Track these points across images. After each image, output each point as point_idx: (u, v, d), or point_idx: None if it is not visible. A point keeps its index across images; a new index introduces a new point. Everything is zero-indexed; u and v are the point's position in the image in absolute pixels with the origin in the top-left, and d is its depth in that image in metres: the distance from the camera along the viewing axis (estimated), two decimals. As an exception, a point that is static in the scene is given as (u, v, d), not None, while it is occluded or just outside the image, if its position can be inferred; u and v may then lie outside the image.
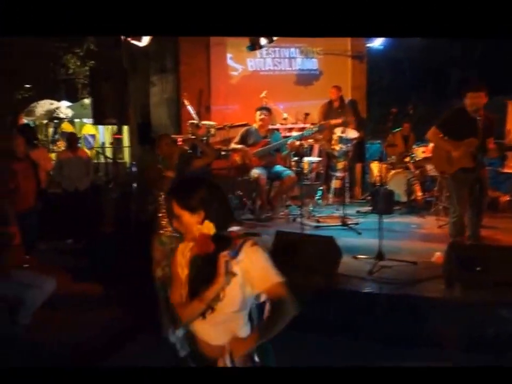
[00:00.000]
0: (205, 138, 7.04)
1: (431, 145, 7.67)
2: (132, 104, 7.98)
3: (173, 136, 4.82)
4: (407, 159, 7.91)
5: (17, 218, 5.39)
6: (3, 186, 5.63)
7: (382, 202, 7.00)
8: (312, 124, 7.59)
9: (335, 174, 7.60)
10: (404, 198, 7.64)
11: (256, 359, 2.13)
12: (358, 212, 7.28)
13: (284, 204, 7.03)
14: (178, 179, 4.21)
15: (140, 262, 5.86)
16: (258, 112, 6.74)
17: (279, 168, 6.69)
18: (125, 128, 9.84)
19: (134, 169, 6.88)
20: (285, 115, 7.61)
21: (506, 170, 8.38)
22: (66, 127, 12.75)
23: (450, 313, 4.26)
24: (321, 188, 7.68)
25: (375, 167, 8.09)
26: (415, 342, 4.15)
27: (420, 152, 7.92)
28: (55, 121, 12.75)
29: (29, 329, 4.37)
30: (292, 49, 8.50)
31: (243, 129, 6.86)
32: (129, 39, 7.16)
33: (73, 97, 12.46)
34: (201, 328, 2.19)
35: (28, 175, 6.22)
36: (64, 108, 12.25)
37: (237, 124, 7.54)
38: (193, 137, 7.12)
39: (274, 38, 7.23)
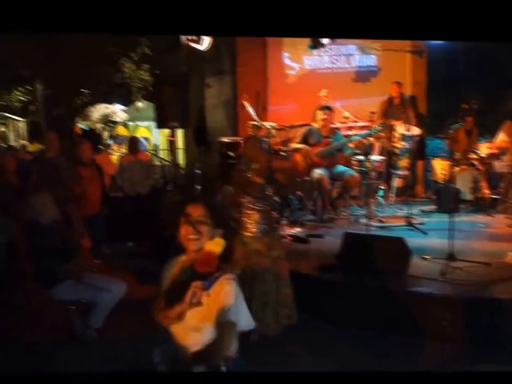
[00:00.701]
0: (265, 139, 7.03)
1: (498, 141, 7.44)
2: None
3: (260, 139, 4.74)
4: (472, 155, 7.67)
5: (85, 223, 5.56)
6: (70, 192, 5.77)
7: (448, 200, 6.81)
8: (369, 121, 7.48)
9: (396, 172, 7.46)
10: (469, 196, 7.41)
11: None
12: (422, 211, 7.11)
13: (346, 204, 6.95)
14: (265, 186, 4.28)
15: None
16: (319, 112, 6.67)
17: (341, 168, 6.61)
18: (179, 130, 9.98)
19: (196, 171, 6.93)
20: (346, 113, 7.51)
21: None
22: (121, 130, 13.05)
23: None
24: (382, 187, 7.56)
25: (437, 164, 7.88)
26: (490, 344, 4.04)
27: (485, 148, 7.67)
28: (110, 125, 13.07)
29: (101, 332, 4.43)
30: (350, 46, 8.39)
31: (304, 129, 6.81)
32: (190, 42, 7.25)
33: (127, 101, 12.72)
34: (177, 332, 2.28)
35: (94, 180, 6.38)
36: (119, 111, 12.53)
37: (297, 124, 7.49)
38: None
39: (335, 36, 7.15)
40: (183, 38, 7.40)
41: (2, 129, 17.22)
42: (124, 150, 11.39)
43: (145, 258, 6.78)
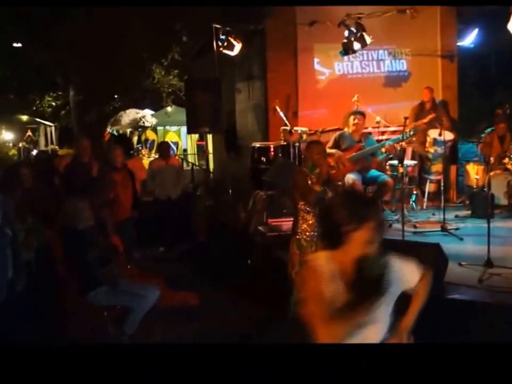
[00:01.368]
0: (297, 144, 7.05)
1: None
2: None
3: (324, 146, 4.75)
4: (506, 160, 7.57)
5: (116, 228, 5.62)
6: (104, 197, 5.83)
7: (483, 205, 6.72)
8: (400, 126, 7.43)
9: (429, 177, 7.40)
10: (504, 201, 7.31)
11: None
12: (456, 216, 7.03)
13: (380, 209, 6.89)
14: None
15: (236, 269, 6.02)
16: (352, 117, 6.66)
17: (374, 172, 6.58)
18: (208, 135, 10.04)
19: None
20: (378, 118, 7.48)
21: None
22: (150, 135, 13.19)
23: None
24: (415, 191, 7.50)
25: (471, 169, 7.79)
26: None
27: (519, 153, 7.57)
28: (139, 129, 13.21)
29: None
30: (381, 51, 8.36)
31: (336, 133, 6.80)
32: (221, 48, 7.31)
33: (157, 106, 12.87)
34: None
35: (126, 185, 6.44)
36: (149, 116, 12.66)
37: (329, 128, 7.50)
38: (285, 143, 7.17)
39: (368, 42, 7.15)
40: (215, 44, 7.48)
41: (29, 133, 17.55)
42: (154, 155, 11.53)
43: (176, 263, 6.86)
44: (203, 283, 5.99)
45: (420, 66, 8.44)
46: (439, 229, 6.20)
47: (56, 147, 15.80)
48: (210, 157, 10.42)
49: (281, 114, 7.21)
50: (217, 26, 7.33)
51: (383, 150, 6.68)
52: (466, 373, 1.93)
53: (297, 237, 4.32)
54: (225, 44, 7.39)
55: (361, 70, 8.38)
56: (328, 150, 6.70)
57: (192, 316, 5.08)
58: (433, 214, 6.91)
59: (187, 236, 7.33)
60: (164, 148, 7.85)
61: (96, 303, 4.50)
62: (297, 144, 7.10)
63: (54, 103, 16.13)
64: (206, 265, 6.41)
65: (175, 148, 12.58)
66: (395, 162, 6.75)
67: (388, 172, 6.80)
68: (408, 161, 7.12)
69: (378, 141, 6.97)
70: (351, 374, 1.91)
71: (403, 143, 7.03)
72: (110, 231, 5.36)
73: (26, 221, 4.68)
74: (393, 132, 7.60)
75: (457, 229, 6.29)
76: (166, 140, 12.78)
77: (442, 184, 7.18)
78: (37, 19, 9.28)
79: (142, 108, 12.70)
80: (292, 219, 6.33)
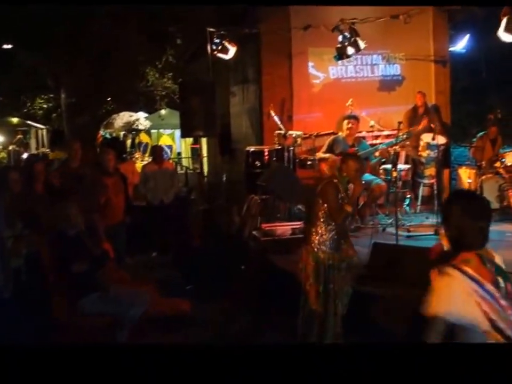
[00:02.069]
0: (291, 148, 7.07)
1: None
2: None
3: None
4: (497, 164, 7.64)
5: (108, 233, 5.55)
6: (95, 201, 5.76)
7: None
8: (393, 130, 7.47)
9: (422, 181, 7.44)
10: (495, 205, 7.37)
11: None
12: (449, 220, 7.06)
13: (373, 213, 6.94)
14: None
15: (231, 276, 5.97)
16: (345, 121, 6.70)
17: (368, 176, 6.61)
18: (202, 139, 9.99)
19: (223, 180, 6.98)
20: (372, 122, 7.51)
21: None
22: (144, 138, 13.12)
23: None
24: (409, 195, 7.54)
25: (463, 172, 7.86)
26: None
27: (510, 156, 7.63)
28: (133, 132, 13.14)
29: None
30: (374, 56, 8.39)
31: (330, 138, 6.83)
32: (215, 52, 7.30)
33: (151, 109, 12.80)
34: None
35: (118, 189, 6.33)
36: (143, 119, 12.60)
37: (323, 132, 7.51)
38: (279, 147, 7.18)
39: (362, 47, 7.18)
40: (209, 47, 7.47)
41: (19, 136, 17.38)
42: (147, 158, 11.45)
43: (169, 269, 6.78)
44: (196, 289, 5.94)
45: (413, 71, 8.49)
46: (433, 232, 6.23)
47: (48, 150, 15.68)
48: (205, 160, 10.41)
49: (276, 118, 7.22)
50: (212, 29, 7.32)
51: (377, 154, 6.72)
52: (467, 373, 1.89)
53: (315, 249, 4.15)
54: (220, 47, 7.38)
55: (355, 74, 8.41)
56: (322, 155, 6.76)
57: (184, 322, 5.02)
58: (427, 218, 6.95)
59: (180, 241, 7.27)
60: (156, 152, 7.79)
61: (86, 310, 4.45)
62: (291, 148, 7.11)
63: (45, 105, 16.01)
64: (200, 271, 6.37)
65: (169, 151, 12.53)
66: (388, 166, 6.79)
67: (382, 176, 6.84)
68: (401, 165, 7.16)
69: (372, 145, 7.01)
70: (350, 374, 1.91)
71: (397, 147, 7.10)
72: (100, 237, 5.31)
73: (15, 227, 4.61)
74: (387, 136, 7.64)
75: (450, 233, 6.31)
76: (159, 143, 12.74)
77: (435, 188, 7.24)
78: (28, 20, 9.20)
79: (136, 110, 12.63)
80: (286, 224, 6.40)
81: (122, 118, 12.23)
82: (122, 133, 12.82)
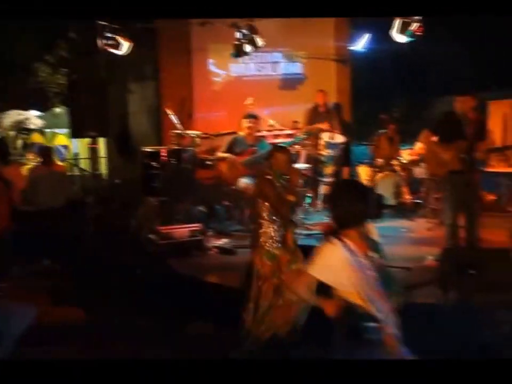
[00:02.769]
0: (190, 148, 6.89)
1: (417, 147, 7.67)
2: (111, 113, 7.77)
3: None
4: (394, 162, 7.87)
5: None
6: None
7: (371, 206, 6.90)
8: (297, 129, 7.50)
9: (322, 180, 7.51)
10: (392, 201, 7.59)
11: None
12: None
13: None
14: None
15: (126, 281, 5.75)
16: (245, 120, 6.62)
17: (267, 176, 6.56)
18: (100, 138, 9.53)
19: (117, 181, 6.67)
20: (271, 122, 7.47)
21: (489, 170, 8.41)
22: (37, 138, 12.32)
23: (447, 318, 4.22)
24: (309, 194, 7.58)
25: (362, 170, 8.03)
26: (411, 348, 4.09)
27: (407, 154, 7.89)
28: (24, 132, 12.28)
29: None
30: (275, 54, 8.38)
31: (230, 137, 6.72)
32: (107, 47, 6.95)
33: (44, 107, 12.01)
34: None
35: (1, 196, 5.90)
36: (34, 118, 11.82)
37: (223, 132, 7.37)
38: (177, 147, 6.98)
39: (259, 44, 7.11)
40: (100, 42, 7.09)
41: None
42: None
43: (62, 278, 6.45)
44: (90, 296, 5.67)
45: (314, 70, 8.58)
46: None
47: None
48: (104, 161, 9.95)
49: (173, 117, 7.00)
50: (104, 23, 6.94)
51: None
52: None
53: (266, 248, 4.04)
54: (112, 42, 7.00)
55: (257, 72, 8.37)
56: (221, 155, 6.63)
57: (76, 332, 4.75)
58: (326, 216, 7.00)
59: (74, 247, 6.89)
60: (45, 153, 7.28)
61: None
62: (190, 148, 6.93)
63: None
64: (94, 277, 6.08)
65: (65, 152, 11.91)
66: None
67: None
68: (301, 165, 7.17)
69: (272, 145, 6.96)
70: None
71: (297, 146, 7.12)
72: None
73: None
74: (288, 135, 7.64)
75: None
76: (55, 143, 12.03)
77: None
78: None
79: (25, 108, 11.81)
80: (184, 226, 6.21)
81: (10, 116, 11.42)
82: (11, 133, 11.94)
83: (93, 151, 8.29)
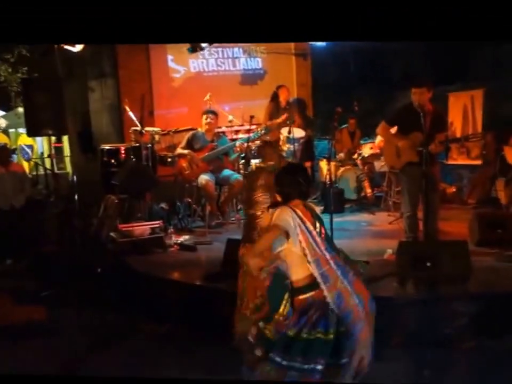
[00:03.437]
0: (149, 145, 6.80)
1: (377, 141, 7.73)
2: (71, 112, 7.62)
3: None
4: (355, 156, 7.92)
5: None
6: None
7: (333, 201, 6.94)
8: (258, 124, 7.47)
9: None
10: (353, 196, 7.64)
11: None
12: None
13: (234, 209, 6.89)
14: None
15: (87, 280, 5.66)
16: (204, 116, 6.57)
17: (227, 172, 6.54)
18: (65, 136, 9.39)
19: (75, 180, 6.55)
20: (230, 117, 7.44)
21: (450, 162, 8.56)
22: (1, 138, 12.04)
23: (404, 311, 4.25)
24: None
25: (324, 165, 8.05)
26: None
27: (368, 148, 7.94)
28: (-15, 132, 11.96)
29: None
30: (235, 49, 8.34)
31: (189, 133, 6.67)
32: (62, 44, 6.81)
33: (6, 106, 11.73)
34: None
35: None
36: (-3, 118, 11.54)
37: (182, 128, 7.31)
38: (136, 144, 6.88)
39: (215, 39, 7.06)
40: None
41: None
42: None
43: (24, 276, 6.35)
44: (53, 295, 5.58)
45: (274, 64, 8.59)
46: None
47: None
48: (68, 160, 9.78)
49: (131, 114, 6.90)
50: (58, 19, 6.78)
51: (237, 149, 6.66)
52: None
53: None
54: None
55: (217, 68, 8.31)
56: (180, 151, 6.57)
57: (36, 332, 4.65)
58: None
59: (35, 247, 6.77)
60: (2, 154, 7.15)
61: None
62: (149, 145, 6.84)
63: None
64: (56, 276, 5.99)
65: (30, 152, 11.67)
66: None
67: (242, 171, 6.78)
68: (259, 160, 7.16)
69: (233, 140, 6.94)
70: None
71: (257, 142, 7.10)
72: None
73: None
74: (248, 131, 7.62)
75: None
76: (19, 142, 11.79)
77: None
78: None
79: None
80: (144, 223, 6.13)
81: (-27, 117, 11.13)
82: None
83: (58, 150, 8.16)
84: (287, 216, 2.68)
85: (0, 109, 11.54)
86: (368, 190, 7.61)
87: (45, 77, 6.75)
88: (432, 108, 5.07)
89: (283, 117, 7.30)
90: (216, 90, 7.64)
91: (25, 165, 10.73)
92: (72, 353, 4.22)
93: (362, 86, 10.25)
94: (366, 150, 7.87)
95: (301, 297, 2.77)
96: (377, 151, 7.70)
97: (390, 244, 5.19)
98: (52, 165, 6.90)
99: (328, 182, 7.17)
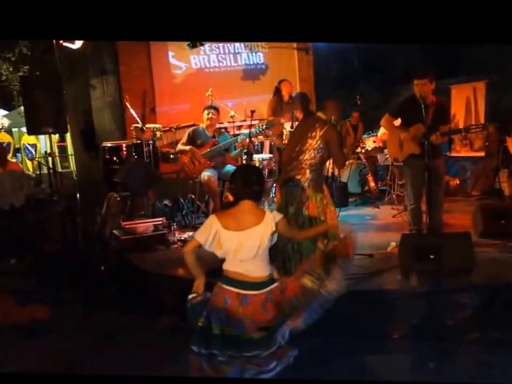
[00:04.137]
0: (151, 141, 6.79)
1: (380, 134, 7.70)
2: (73, 109, 7.64)
3: None
4: (358, 150, 7.88)
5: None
6: None
7: (337, 195, 6.91)
8: (260, 119, 7.44)
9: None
10: (357, 189, 7.61)
11: None
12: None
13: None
14: None
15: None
16: (205, 111, 6.54)
17: (229, 168, 6.51)
18: (68, 135, 9.43)
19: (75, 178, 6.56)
20: (232, 113, 7.41)
21: (453, 154, 8.52)
22: (4, 137, 12.10)
23: (408, 304, 4.23)
24: (275, 184, 7.55)
25: (327, 159, 8.01)
26: (376, 335, 4.09)
27: (371, 141, 7.91)
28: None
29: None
30: (237, 45, 8.31)
31: (190, 129, 6.64)
32: (61, 41, 6.80)
33: (9, 105, 11.78)
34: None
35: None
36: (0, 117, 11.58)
37: (184, 124, 7.28)
38: (138, 141, 6.87)
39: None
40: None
41: None
42: (14, 159, 10.57)
43: (28, 275, 6.35)
44: (57, 293, 5.58)
45: (276, 59, 8.55)
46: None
47: None
48: (72, 158, 9.81)
49: (132, 111, 6.89)
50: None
51: (239, 145, 6.64)
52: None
53: None
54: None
55: (218, 64, 8.29)
56: (182, 147, 6.55)
57: (39, 330, 4.63)
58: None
59: (38, 245, 6.78)
60: (-1, 153, 7.17)
61: None
62: (151, 142, 6.83)
63: None
64: (59, 275, 5.99)
65: (33, 151, 11.71)
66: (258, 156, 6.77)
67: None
68: (263, 155, 7.14)
69: (235, 136, 6.91)
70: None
71: (260, 137, 7.08)
72: None
73: None
74: (250, 126, 7.59)
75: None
76: (22, 142, 11.83)
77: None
78: None
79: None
80: (147, 220, 6.12)
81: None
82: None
83: (62, 149, 8.19)
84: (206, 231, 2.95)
85: (3, 108, 11.58)
86: (372, 184, 7.59)
87: (44, 75, 6.72)
88: (435, 99, 5.04)
89: (286, 117, 7.26)
90: (218, 86, 7.62)
91: (29, 164, 10.80)
92: (77, 352, 4.22)
93: (365, 80, 10.21)
94: (369, 144, 7.84)
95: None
96: (380, 144, 7.68)
97: (394, 237, 5.16)
98: (53, 163, 6.87)
99: (332, 176, 7.20)
